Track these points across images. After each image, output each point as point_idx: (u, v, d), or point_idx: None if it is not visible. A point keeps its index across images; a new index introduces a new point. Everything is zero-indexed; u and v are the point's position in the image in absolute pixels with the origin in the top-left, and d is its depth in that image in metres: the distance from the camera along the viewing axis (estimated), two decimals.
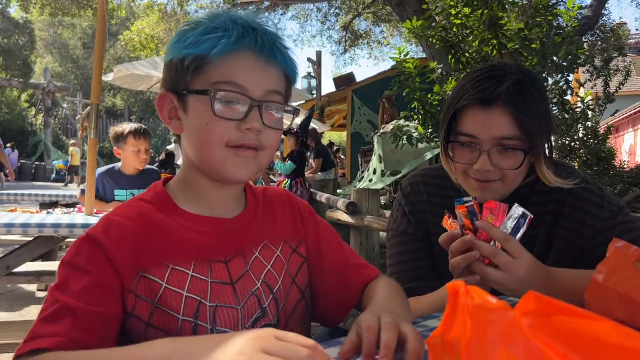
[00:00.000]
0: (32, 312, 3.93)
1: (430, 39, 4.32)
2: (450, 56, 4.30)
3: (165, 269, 0.84)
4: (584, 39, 7.84)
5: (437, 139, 4.64)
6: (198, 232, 0.89)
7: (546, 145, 1.16)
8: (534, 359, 0.46)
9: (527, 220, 0.94)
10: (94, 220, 2.79)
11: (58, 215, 3.05)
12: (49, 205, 4.42)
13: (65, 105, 28.31)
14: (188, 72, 0.85)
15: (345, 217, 4.33)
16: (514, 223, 0.94)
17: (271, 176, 9.02)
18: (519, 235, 0.95)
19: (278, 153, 11.07)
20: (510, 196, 1.22)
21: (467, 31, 4.24)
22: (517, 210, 0.95)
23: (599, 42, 10.52)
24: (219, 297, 0.86)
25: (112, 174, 3.41)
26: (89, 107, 3.03)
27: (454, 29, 4.29)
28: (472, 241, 0.95)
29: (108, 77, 8.14)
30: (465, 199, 0.98)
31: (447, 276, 1.05)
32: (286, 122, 0.95)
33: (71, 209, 3.53)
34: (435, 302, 1.13)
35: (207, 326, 0.84)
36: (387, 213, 4.43)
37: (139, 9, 19.31)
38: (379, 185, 6.64)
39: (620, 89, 5.75)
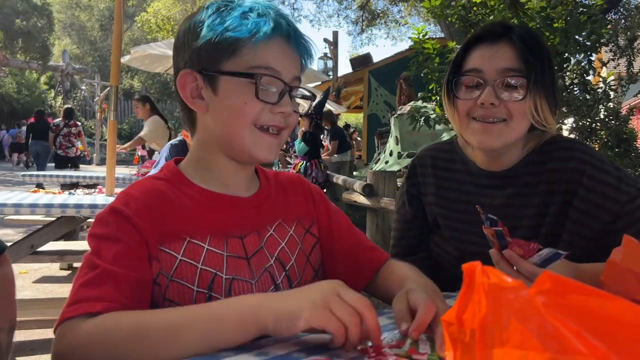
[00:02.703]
0: (55, 291, 4.04)
1: (450, 19, 4.26)
2: (469, 36, 4.23)
3: (182, 242, 0.86)
4: (607, 17, 7.64)
5: None
6: (213, 209, 0.91)
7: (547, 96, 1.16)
8: (548, 336, 0.47)
9: (560, 258, 0.88)
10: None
11: (80, 196, 3.11)
12: (70, 186, 4.50)
13: (83, 87, 28.57)
14: (224, 53, 0.87)
15: (361, 199, 4.34)
16: (544, 259, 0.89)
17: (287, 158, 9.04)
18: (548, 268, 0.89)
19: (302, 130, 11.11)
20: (520, 162, 1.22)
21: (488, 10, 4.16)
22: (550, 250, 0.89)
23: (623, 21, 10.25)
24: (235, 271, 0.89)
25: (181, 149, 3.36)
26: (107, 89, 3.07)
27: (474, 8, 4.22)
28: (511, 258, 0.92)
29: (125, 59, 8.15)
30: (490, 216, 0.93)
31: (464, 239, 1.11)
32: (303, 105, 1.01)
33: (92, 190, 3.60)
34: None
35: (222, 298, 0.87)
36: None
37: None
38: (396, 167, 6.62)
39: None
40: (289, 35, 0.90)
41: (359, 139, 14.57)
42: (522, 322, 0.48)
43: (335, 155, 8.13)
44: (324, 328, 0.68)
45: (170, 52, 7.67)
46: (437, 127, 4.96)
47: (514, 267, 0.91)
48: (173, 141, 3.37)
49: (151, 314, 0.75)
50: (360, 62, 13.20)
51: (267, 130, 0.91)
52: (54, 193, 3.41)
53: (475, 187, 1.27)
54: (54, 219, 3.01)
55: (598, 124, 5.21)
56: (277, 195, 1.03)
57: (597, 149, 4.77)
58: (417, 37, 4.16)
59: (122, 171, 5.47)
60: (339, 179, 5.83)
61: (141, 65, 7.93)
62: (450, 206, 1.29)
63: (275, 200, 1.02)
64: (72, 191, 3.64)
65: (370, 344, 0.71)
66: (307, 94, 0.98)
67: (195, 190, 0.92)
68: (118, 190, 3.27)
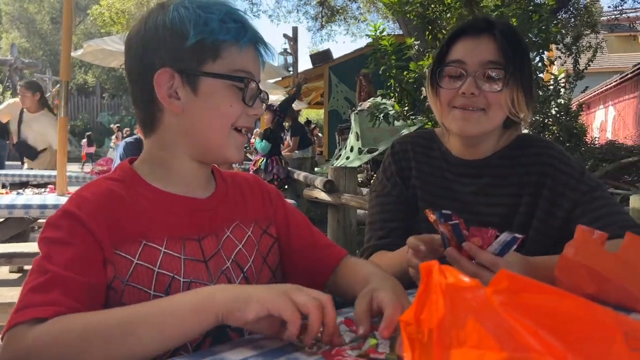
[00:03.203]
0: (4, 295, 3.86)
1: (408, 15, 4.30)
2: (427, 33, 4.29)
3: (138, 245, 0.84)
4: (557, 16, 7.89)
5: (413, 117, 4.65)
6: (170, 211, 0.90)
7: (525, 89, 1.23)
8: (505, 335, 0.47)
9: (517, 241, 0.89)
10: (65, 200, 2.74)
11: (29, 196, 2.98)
12: (19, 185, 4.31)
13: None
14: (209, 55, 0.88)
15: (322, 196, 4.34)
16: (502, 246, 0.90)
17: (248, 154, 8.96)
18: (506, 255, 0.90)
19: (258, 130, 10.97)
20: (495, 154, 1.28)
21: (444, 8, 4.23)
22: (507, 235, 0.90)
23: (572, 20, 10.63)
24: (193, 274, 0.88)
25: (136, 148, 3.22)
26: (59, 85, 2.94)
27: (432, 6, 4.27)
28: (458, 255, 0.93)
29: (77, 53, 7.90)
30: (444, 212, 0.93)
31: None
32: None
33: (42, 190, 3.46)
34: (395, 261, 1.15)
35: None
36: (365, 191, 4.45)
37: None
38: (356, 163, 6.65)
39: (589, 66, 5.82)
40: (258, 42, 0.94)
41: (320, 134, 14.59)
42: (480, 322, 0.47)
43: (297, 152, 8.11)
44: (279, 313, 0.68)
45: (123, 48, 7.50)
46: (396, 123, 5.00)
47: (474, 260, 0.91)
48: (128, 139, 3.26)
49: (102, 313, 0.73)
50: (321, 58, 13.20)
51: (240, 131, 0.93)
52: (1, 193, 3.25)
53: (452, 175, 1.32)
54: (1, 220, 2.87)
55: (550, 119, 5.39)
56: (234, 196, 1.02)
57: None
58: (374, 33, 4.18)
59: (74, 169, 5.27)
60: (300, 175, 5.81)
61: (95, 59, 7.70)
62: (431, 190, 1.33)
63: (232, 201, 1.01)
64: (21, 191, 3.49)
65: (328, 347, 0.70)
66: (264, 97, 0.99)
67: (151, 191, 0.90)
68: (71, 189, 3.15)
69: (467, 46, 1.23)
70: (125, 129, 18.91)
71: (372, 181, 6.52)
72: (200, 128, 0.90)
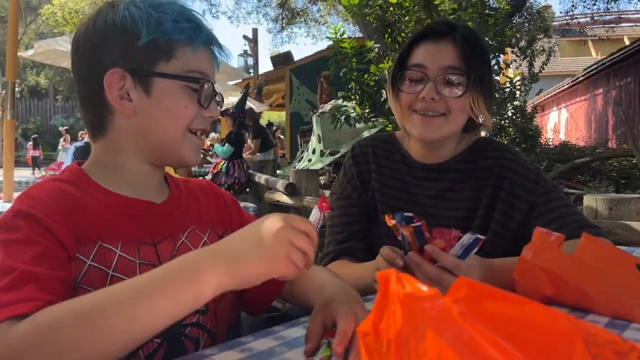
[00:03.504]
0: None
1: (367, 18, 4.32)
2: (386, 35, 4.32)
3: (93, 245, 0.80)
4: (512, 21, 8.11)
5: (374, 119, 4.68)
6: (124, 214, 0.87)
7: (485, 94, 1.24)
8: (465, 346, 0.45)
9: (479, 243, 0.89)
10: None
11: None
12: None
13: None
14: (162, 55, 0.85)
15: (284, 199, 4.31)
16: (465, 247, 0.89)
17: (208, 158, 8.82)
18: (468, 257, 0.90)
19: (216, 135, 10.80)
20: (454, 157, 1.29)
21: (403, 11, 4.27)
22: (469, 236, 0.90)
23: (526, 24, 10.96)
24: None
25: (87, 153, 3.08)
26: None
27: (391, 9, 4.30)
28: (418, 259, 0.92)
29: (28, 53, 7.60)
30: (406, 214, 0.92)
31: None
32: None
33: None
34: (357, 275, 1.13)
35: None
36: (327, 193, 4.44)
37: None
38: (319, 166, 6.65)
39: (543, 69, 6.01)
40: (212, 42, 0.92)
41: (282, 137, 14.53)
42: (439, 333, 0.45)
43: (258, 154, 8.03)
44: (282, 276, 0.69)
45: None
46: (358, 125, 5.03)
47: (437, 263, 0.90)
48: (78, 143, 3.13)
49: (93, 295, 0.65)
50: (281, 60, 13.16)
51: (196, 133, 0.91)
52: None
53: (412, 178, 1.32)
54: None
55: (506, 121, 5.52)
56: (188, 201, 1.00)
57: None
58: (335, 36, 4.19)
59: (23, 174, 5.05)
60: (261, 178, 5.76)
61: (46, 59, 7.42)
62: (390, 193, 1.33)
63: (187, 206, 0.98)
64: None
65: None
66: (219, 99, 0.97)
67: (104, 193, 0.86)
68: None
69: (428, 50, 1.22)
70: (81, 132, 18.39)
71: (333, 184, 6.53)
72: (154, 130, 0.88)
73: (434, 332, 0.45)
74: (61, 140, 17.37)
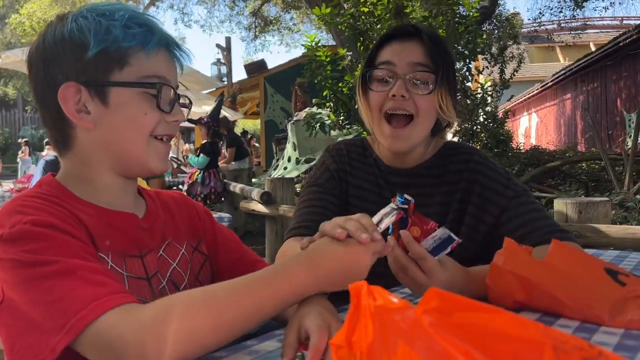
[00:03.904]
0: None
1: (339, 27, 4.35)
2: (359, 44, 4.35)
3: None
4: (482, 28, 8.27)
5: (348, 126, 4.70)
6: (111, 225, 0.86)
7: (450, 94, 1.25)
8: (436, 357, 0.45)
9: (452, 244, 0.90)
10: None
11: None
12: None
13: None
14: (115, 64, 0.84)
15: (260, 208, 4.28)
16: (437, 243, 0.90)
17: (182, 167, 8.72)
18: (439, 255, 0.90)
19: (191, 146, 10.68)
20: (424, 162, 1.30)
21: (375, 19, 4.31)
22: (444, 232, 0.90)
23: (496, 31, 11.18)
24: (137, 291, 0.85)
25: (56, 167, 2.98)
26: None
27: (362, 17, 4.34)
28: (396, 246, 0.92)
29: None
30: (407, 197, 0.92)
31: None
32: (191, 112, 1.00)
33: None
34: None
35: None
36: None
37: None
38: (294, 173, 6.64)
39: (514, 75, 6.13)
40: (168, 44, 0.90)
41: (257, 145, 14.48)
42: (410, 345, 0.45)
43: (233, 163, 7.97)
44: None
45: None
46: (333, 132, 5.04)
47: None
48: (47, 157, 3.05)
49: (209, 286, 0.75)
50: (255, 68, 13.13)
51: (162, 139, 0.90)
52: None
53: (384, 182, 1.33)
54: None
55: (478, 126, 5.60)
56: (164, 215, 1.00)
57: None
58: (309, 44, 4.20)
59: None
60: (236, 187, 5.72)
61: (14, 67, 7.25)
62: (363, 196, 1.33)
63: (163, 220, 0.98)
64: None
65: None
66: (185, 102, 0.96)
67: (87, 205, 0.85)
68: None
69: (395, 48, 1.24)
70: (47, 145, 18.05)
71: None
72: (117, 140, 0.86)
73: (405, 343, 0.45)
74: (19, 152, 16.92)
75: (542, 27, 13.12)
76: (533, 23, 12.98)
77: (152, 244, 0.92)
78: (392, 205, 0.89)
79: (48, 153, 17.12)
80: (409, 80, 1.20)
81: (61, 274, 0.68)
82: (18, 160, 16.63)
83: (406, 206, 0.91)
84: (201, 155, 6.23)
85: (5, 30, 26.77)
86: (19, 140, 18.62)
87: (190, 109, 1.00)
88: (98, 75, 0.84)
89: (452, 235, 0.90)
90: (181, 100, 0.93)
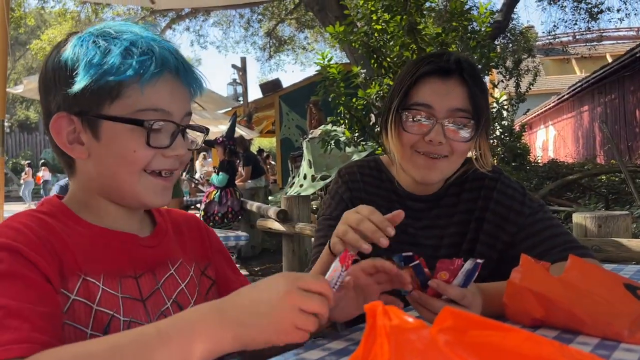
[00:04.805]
0: None
1: (353, 44, 4.39)
2: (372, 61, 4.38)
3: (77, 278, 0.78)
4: (496, 42, 8.27)
5: (363, 143, 4.71)
6: (106, 246, 0.84)
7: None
8: None
9: (479, 267, 0.89)
10: None
11: None
12: None
13: None
14: (106, 97, 0.79)
15: (276, 226, 4.29)
16: (466, 276, 0.89)
17: (200, 186, 8.80)
18: (470, 284, 0.90)
19: (210, 169, 10.78)
20: (443, 187, 1.27)
21: (388, 36, 4.34)
22: (471, 262, 0.90)
23: (510, 45, 11.17)
24: (132, 313, 0.82)
25: None
26: None
27: (375, 34, 4.38)
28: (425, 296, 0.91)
29: (18, 90, 7.64)
30: (404, 255, 0.92)
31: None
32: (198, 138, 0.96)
33: None
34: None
35: None
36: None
37: (50, 17, 18.26)
38: (310, 191, 6.65)
39: (530, 89, 6.11)
40: (177, 70, 0.83)
41: (273, 163, 14.57)
42: None
43: (249, 182, 8.03)
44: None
45: None
46: (348, 149, 5.06)
47: (443, 297, 0.90)
48: (61, 182, 3.07)
49: (95, 344, 0.65)
50: (270, 87, 13.28)
51: (160, 174, 0.85)
52: None
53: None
54: None
55: (495, 140, 5.58)
56: (174, 233, 0.97)
57: (495, 163, 5.08)
58: (322, 62, 4.24)
59: (13, 208, 5.00)
60: (253, 205, 5.75)
61: (35, 95, 7.42)
62: None
63: (174, 239, 0.96)
64: None
65: None
66: (197, 127, 0.93)
67: (84, 226, 0.84)
68: None
69: (435, 89, 1.16)
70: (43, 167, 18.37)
71: (319, 206, 6.54)
72: (108, 174, 0.83)
73: None
74: (22, 174, 17.21)
75: (557, 40, 13.08)
76: (548, 36, 12.94)
77: (153, 263, 0.89)
78: (336, 263, 0.80)
79: (44, 174, 17.27)
80: (447, 124, 1.15)
81: None
82: (21, 182, 16.92)
83: (416, 262, 0.90)
84: (221, 173, 6.29)
85: (27, 56, 27.50)
86: (23, 162, 18.96)
87: (206, 135, 0.97)
88: (90, 106, 0.80)
89: (477, 260, 0.89)
90: (186, 133, 0.87)
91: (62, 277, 0.76)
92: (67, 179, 3.18)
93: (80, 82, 0.78)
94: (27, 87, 7.12)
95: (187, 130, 0.89)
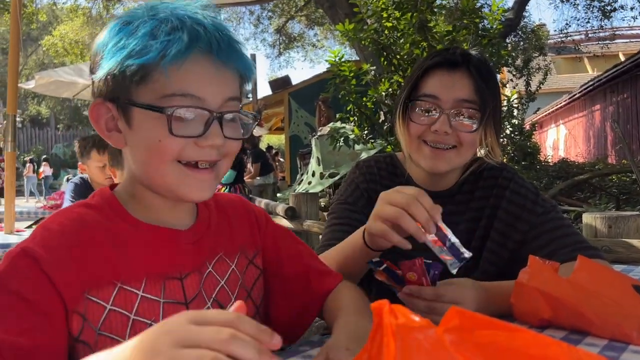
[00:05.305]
0: None
1: (363, 42, 4.38)
2: (382, 58, 4.37)
3: (113, 287, 0.74)
4: (507, 41, 8.22)
5: (372, 140, 4.71)
6: (150, 245, 0.80)
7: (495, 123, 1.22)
8: None
9: (440, 267, 0.91)
10: (14, 239, 2.61)
11: None
12: None
13: None
14: (132, 82, 0.74)
15: (284, 223, 4.30)
16: (432, 277, 0.91)
17: None
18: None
19: None
20: (457, 183, 1.28)
21: (398, 34, 4.33)
22: (430, 264, 0.91)
23: (521, 43, 11.08)
24: None
25: (84, 189, 2.92)
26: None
27: (386, 32, 4.37)
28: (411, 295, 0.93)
29: (29, 85, 7.70)
30: (374, 260, 0.94)
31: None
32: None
33: None
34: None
35: None
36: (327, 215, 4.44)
37: (62, 13, 18.39)
38: (319, 188, 6.66)
39: (540, 87, 6.06)
40: (212, 49, 0.74)
41: (281, 160, 14.59)
42: None
43: (258, 178, 8.06)
44: None
45: (78, 79, 7.24)
46: (357, 146, 5.06)
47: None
48: (74, 179, 3.04)
49: None
50: (280, 84, 13.28)
51: (196, 165, 0.77)
52: None
53: None
54: None
55: (505, 139, 5.55)
56: (218, 223, 0.90)
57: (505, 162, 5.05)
58: (333, 60, 4.24)
59: (24, 204, 5.05)
60: (261, 202, 5.76)
61: (46, 91, 7.53)
62: None
63: (217, 230, 0.89)
64: None
65: None
66: (248, 117, 0.83)
67: (130, 222, 0.80)
68: (20, 225, 3.01)
69: (442, 81, 1.18)
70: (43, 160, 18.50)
71: (327, 204, 6.54)
72: (141, 165, 0.79)
73: None
74: (24, 169, 17.35)
75: (569, 38, 12.96)
76: (560, 34, 12.83)
77: (197, 262, 0.84)
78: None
79: (44, 169, 17.50)
80: (453, 115, 1.16)
81: None
82: (24, 177, 17.08)
83: (384, 265, 0.92)
84: (229, 169, 6.31)
85: (38, 51, 27.72)
86: (26, 158, 19.14)
87: (253, 125, 0.86)
88: (120, 92, 0.75)
89: (435, 262, 0.90)
90: (229, 117, 0.78)
91: (94, 287, 0.73)
92: (79, 175, 3.17)
93: (103, 68, 0.74)
94: (39, 82, 7.17)
95: (240, 116, 0.81)
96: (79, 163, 2.91)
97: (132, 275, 0.76)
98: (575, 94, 13.53)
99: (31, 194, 16.79)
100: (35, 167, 17.53)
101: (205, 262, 0.85)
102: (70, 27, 14.05)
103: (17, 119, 2.96)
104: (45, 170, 17.91)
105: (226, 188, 6.39)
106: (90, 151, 2.80)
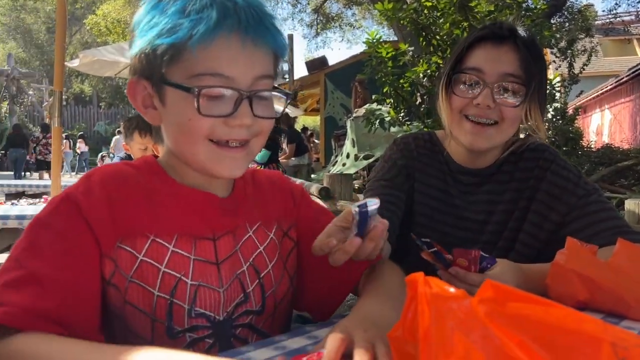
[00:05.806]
0: None
1: (402, 21, 4.32)
2: (421, 38, 4.30)
3: (145, 239, 0.79)
4: (552, 21, 7.93)
5: (408, 123, 4.66)
6: (186, 206, 0.83)
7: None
8: (491, 347, 0.46)
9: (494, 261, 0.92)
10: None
11: (23, 207, 2.97)
12: (14, 195, 4.30)
13: (31, 92, 27.48)
14: (163, 61, 0.75)
15: (318, 202, 4.33)
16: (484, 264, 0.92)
17: None
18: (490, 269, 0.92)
19: None
20: (496, 162, 1.26)
21: (438, 13, 4.24)
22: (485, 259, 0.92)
23: (567, 24, 10.68)
24: (202, 277, 0.81)
25: None
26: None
27: (425, 11, 4.29)
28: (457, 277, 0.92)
29: (74, 64, 7.91)
30: (424, 240, 0.93)
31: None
32: (278, 107, 0.89)
33: (37, 200, 3.44)
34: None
35: (185, 306, 0.79)
36: (361, 197, 4.44)
37: None
38: (353, 170, 6.65)
39: (584, 70, 5.85)
40: (242, 26, 0.74)
41: (316, 141, 14.61)
42: (465, 334, 0.46)
43: (293, 159, 8.11)
44: None
45: (120, 58, 7.40)
46: (392, 129, 5.01)
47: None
48: (120, 154, 3.14)
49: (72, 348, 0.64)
50: (316, 65, 13.23)
51: (227, 144, 0.79)
52: None
53: (453, 181, 1.29)
54: None
55: (546, 123, 5.40)
56: (255, 196, 0.94)
57: None
58: (371, 41, 4.20)
59: (70, 180, 5.24)
60: (296, 182, 5.80)
61: (90, 70, 7.73)
62: (430, 194, 1.29)
63: (253, 201, 0.93)
64: (16, 201, 3.47)
65: None
66: (281, 94, 0.84)
67: (170, 184, 0.84)
68: None
69: (487, 54, 1.16)
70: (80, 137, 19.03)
71: (361, 185, 6.52)
72: (174, 142, 0.82)
73: (461, 332, 0.47)
74: (62, 145, 17.94)
75: (618, 19, 12.42)
76: (608, 15, 12.30)
77: (232, 225, 0.87)
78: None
79: (80, 146, 18.09)
80: (497, 89, 1.14)
81: (20, 265, 0.70)
82: (62, 152, 17.65)
83: (434, 249, 0.92)
84: (263, 149, 6.38)
85: (82, 30, 28.40)
86: (62, 135, 19.73)
87: (285, 104, 0.88)
88: (153, 70, 0.77)
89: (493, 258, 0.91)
90: (260, 96, 0.79)
91: (128, 237, 0.78)
92: (122, 153, 3.26)
93: (137, 46, 0.77)
94: (83, 61, 7.37)
95: (273, 94, 0.82)
96: (123, 143, 3.00)
97: (164, 230, 0.81)
98: (623, 77, 12.98)
99: (71, 169, 17.43)
100: (71, 143, 18.08)
101: (245, 226, 0.89)
102: (113, 7, 14.35)
103: (63, 96, 3.06)
104: (81, 147, 18.52)
105: (261, 167, 6.47)
106: (133, 133, 2.87)
